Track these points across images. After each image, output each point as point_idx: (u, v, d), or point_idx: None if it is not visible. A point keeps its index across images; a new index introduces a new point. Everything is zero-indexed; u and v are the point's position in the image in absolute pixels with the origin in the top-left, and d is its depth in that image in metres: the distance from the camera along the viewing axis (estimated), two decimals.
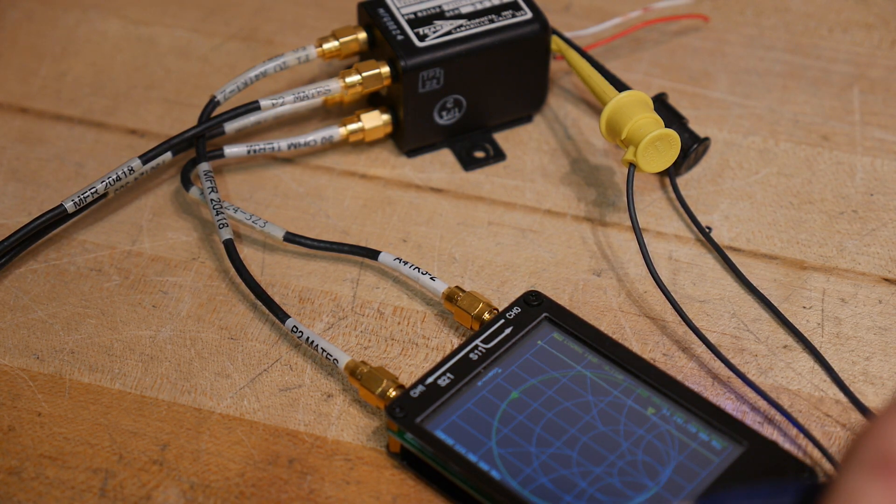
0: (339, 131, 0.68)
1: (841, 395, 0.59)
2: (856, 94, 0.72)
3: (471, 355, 0.58)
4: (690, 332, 0.61)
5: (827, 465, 0.57)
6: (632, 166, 0.63)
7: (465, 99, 0.68)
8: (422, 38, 0.66)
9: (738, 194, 0.67)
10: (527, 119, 0.71)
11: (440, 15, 0.68)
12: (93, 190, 0.64)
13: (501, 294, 0.63)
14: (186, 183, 0.66)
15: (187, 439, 0.58)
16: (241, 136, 0.70)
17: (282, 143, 0.68)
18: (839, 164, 0.69)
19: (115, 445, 0.57)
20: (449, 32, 0.67)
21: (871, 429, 0.39)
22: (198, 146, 0.66)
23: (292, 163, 0.69)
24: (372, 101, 0.70)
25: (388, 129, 0.69)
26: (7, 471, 0.56)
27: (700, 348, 0.61)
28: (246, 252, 0.65)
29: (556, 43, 0.69)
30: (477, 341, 0.58)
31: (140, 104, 0.72)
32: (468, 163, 0.69)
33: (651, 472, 0.54)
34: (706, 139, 0.69)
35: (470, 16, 0.67)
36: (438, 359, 0.60)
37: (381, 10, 0.68)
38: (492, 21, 0.67)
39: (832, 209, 0.67)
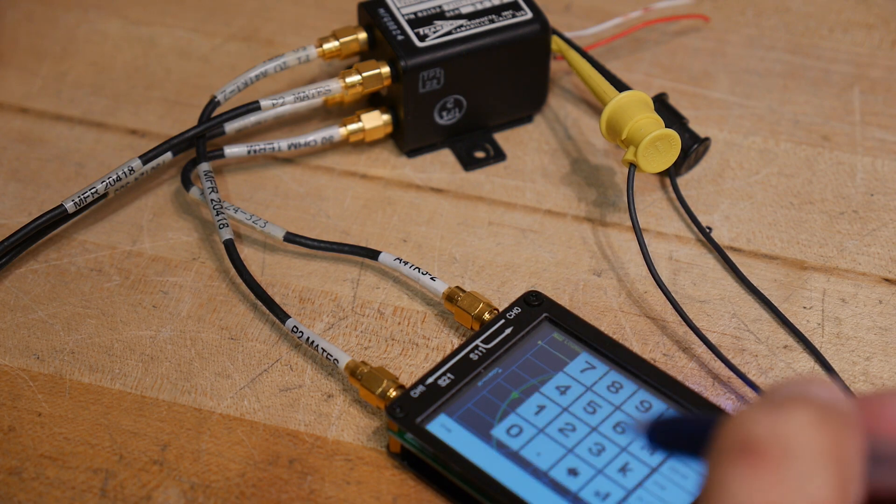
0: (340, 131, 0.68)
1: None
2: (856, 95, 0.72)
3: (471, 355, 0.58)
4: (691, 332, 0.61)
5: None
6: (632, 166, 0.63)
7: (466, 99, 0.68)
8: (422, 38, 0.66)
9: (738, 194, 0.67)
10: (527, 119, 0.71)
11: (440, 15, 0.67)
12: (93, 190, 0.64)
13: (502, 294, 0.63)
14: (187, 183, 0.66)
15: (188, 439, 0.57)
16: (242, 136, 0.70)
17: (282, 144, 0.68)
18: (839, 165, 0.69)
19: (115, 445, 0.57)
20: (449, 32, 0.67)
21: (731, 419, 0.37)
22: (198, 146, 0.66)
23: (292, 163, 0.69)
24: (372, 101, 0.70)
25: (389, 129, 0.69)
26: (7, 471, 0.56)
27: (700, 348, 0.61)
28: (246, 252, 0.65)
29: (556, 43, 0.69)
30: (477, 341, 0.58)
31: (140, 104, 0.72)
32: (468, 163, 0.69)
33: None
34: (706, 139, 0.69)
35: (470, 16, 0.67)
36: (439, 359, 0.60)
37: (382, 11, 0.68)
38: (492, 21, 0.67)
39: (832, 209, 0.67)
